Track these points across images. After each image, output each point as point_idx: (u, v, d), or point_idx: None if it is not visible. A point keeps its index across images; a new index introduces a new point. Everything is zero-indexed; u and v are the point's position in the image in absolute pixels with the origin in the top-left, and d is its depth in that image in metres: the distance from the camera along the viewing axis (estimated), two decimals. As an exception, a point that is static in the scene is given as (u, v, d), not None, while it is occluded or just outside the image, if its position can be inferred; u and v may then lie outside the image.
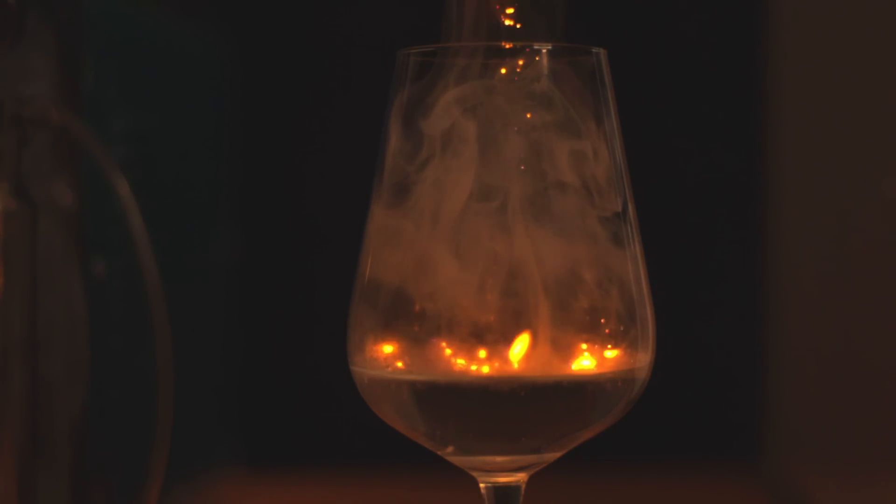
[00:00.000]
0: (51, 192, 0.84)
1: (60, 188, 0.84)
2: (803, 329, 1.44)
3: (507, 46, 0.65)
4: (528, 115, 0.64)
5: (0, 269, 0.80)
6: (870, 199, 1.24)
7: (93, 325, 0.86)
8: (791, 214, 1.47)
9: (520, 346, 0.63)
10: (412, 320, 0.64)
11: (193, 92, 1.43)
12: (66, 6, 0.85)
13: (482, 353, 0.63)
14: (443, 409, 0.64)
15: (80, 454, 0.86)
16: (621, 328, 0.65)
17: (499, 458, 0.66)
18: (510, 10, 0.67)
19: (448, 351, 0.63)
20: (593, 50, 0.66)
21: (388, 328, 0.65)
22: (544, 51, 0.65)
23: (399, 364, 0.64)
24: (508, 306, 0.63)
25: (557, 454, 0.67)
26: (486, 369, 0.63)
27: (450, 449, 0.66)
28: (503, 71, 0.65)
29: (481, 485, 0.67)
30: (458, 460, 0.67)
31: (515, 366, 0.63)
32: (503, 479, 0.67)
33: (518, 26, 0.67)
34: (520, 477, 0.67)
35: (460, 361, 0.63)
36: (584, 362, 0.64)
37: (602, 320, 0.64)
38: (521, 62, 0.65)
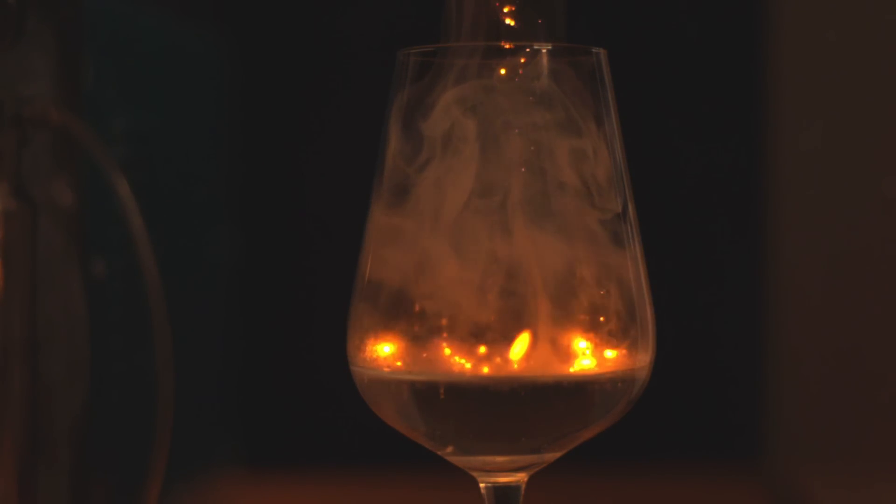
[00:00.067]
0: (51, 192, 0.84)
1: (60, 188, 0.84)
2: (803, 329, 1.44)
3: (507, 46, 0.65)
4: (528, 115, 0.64)
5: (0, 269, 0.80)
6: (870, 199, 1.24)
7: (93, 325, 0.86)
8: (791, 214, 1.47)
9: (520, 346, 0.63)
10: (412, 320, 0.64)
11: (193, 92, 1.43)
12: (66, 6, 0.85)
13: (482, 353, 0.63)
14: (442, 408, 0.64)
15: (80, 454, 0.86)
16: (621, 328, 0.65)
17: (499, 458, 0.66)
18: (510, 10, 0.67)
19: (448, 351, 0.63)
20: (593, 50, 0.66)
21: (388, 328, 0.65)
22: (544, 51, 0.65)
23: (399, 364, 0.64)
24: (508, 306, 0.63)
25: (557, 454, 0.67)
26: (485, 369, 0.63)
27: (450, 449, 0.66)
28: (503, 71, 0.65)
29: (481, 485, 0.67)
30: (458, 460, 0.67)
31: (515, 366, 0.63)
32: (503, 479, 0.67)
33: (518, 26, 0.67)
34: (520, 477, 0.67)
35: (460, 361, 0.63)
36: (584, 362, 0.64)
37: (602, 320, 0.64)
38: (520, 62, 0.65)
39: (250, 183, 1.56)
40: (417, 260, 0.64)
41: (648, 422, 1.35)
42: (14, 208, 0.81)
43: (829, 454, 1.37)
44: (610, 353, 0.64)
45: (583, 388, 0.64)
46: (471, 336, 0.63)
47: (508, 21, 0.67)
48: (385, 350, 0.65)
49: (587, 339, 0.64)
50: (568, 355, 0.63)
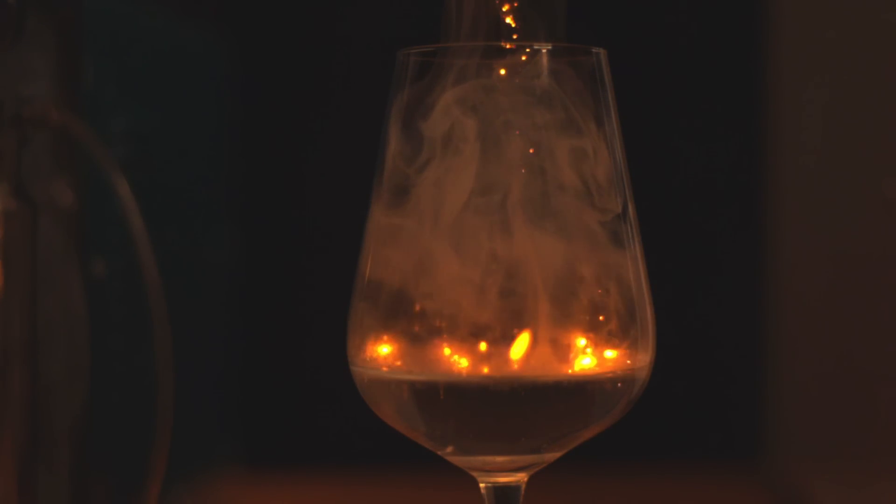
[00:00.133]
0: (51, 192, 0.84)
1: (60, 188, 0.84)
2: (803, 329, 1.44)
3: (507, 46, 0.65)
4: (528, 116, 0.64)
5: (0, 269, 0.80)
6: (870, 200, 1.24)
7: (93, 325, 0.86)
8: (791, 214, 1.47)
9: (520, 346, 0.63)
10: (412, 320, 0.64)
11: (194, 92, 1.43)
12: (66, 6, 0.85)
13: (482, 353, 0.63)
14: (442, 408, 0.64)
15: (80, 454, 0.86)
16: (621, 328, 0.65)
17: (499, 458, 0.66)
18: (510, 10, 0.67)
19: (448, 351, 0.63)
20: (593, 50, 0.66)
21: (388, 328, 0.65)
22: (544, 51, 0.65)
23: (399, 364, 0.64)
24: (508, 306, 0.63)
25: (557, 454, 0.67)
26: (485, 369, 0.63)
27: (450, 449, 0.66)
28: (503, 71, 0.65)
29: (481, 485, 0.67)
30: (458, 460, 0.67)
31: (515, 366, 0.63)
32: (503, 479, 0.67)
33: (518, 26, 0.67)
34: (520, 477, 0.67)
35: (460, 361, 0.63)
36: (584, 362, 0.64)
37: (602, 320, 0.64)
38: (520, 62, 0.65)
39: (250, 183, 1.56)
40: (417, 260, 0.64)
41: (648, 422, 1.35)
42: (14, 208, 0.81)
43: (829, 454, 1.37)
44: (610, 353, 0.64)
45: (583, 388, 0.64)
46: (471, 336, 0.63)
47: (508, 21, 0.67)
48: (385, 350, 0.65)
49: (587, 339, 0.64)
50: (568, 355, 0.63)
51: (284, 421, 1.57)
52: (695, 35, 1.55)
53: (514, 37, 0.66)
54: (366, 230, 0.67)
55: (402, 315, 0.64)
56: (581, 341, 0.64)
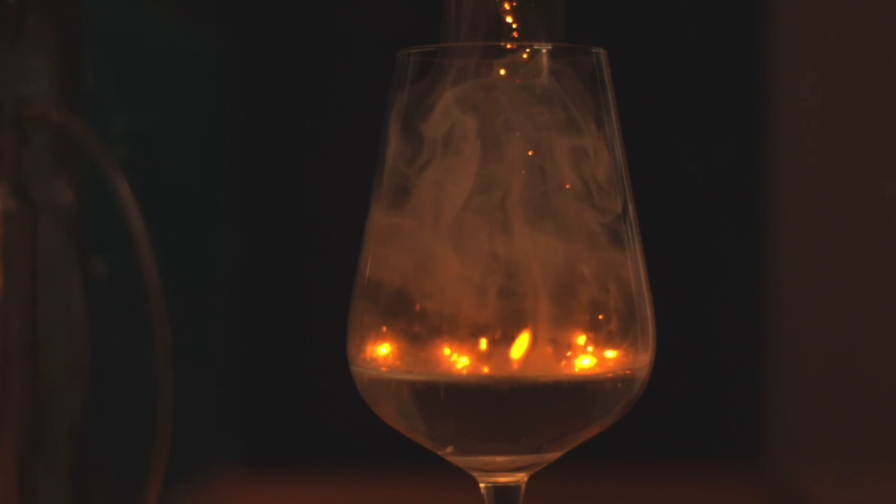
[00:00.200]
0: (51, 192, 0.84)
1: (60, 188, 0.84)
2: (803, 329, 1.44)
3: (507, 46, 0.65)
4: (528, 116, 0.64)
5: (0, 269, 0.80)
6: (870, 200, 1.24)
7: (93, 325, 0.86)
8: (791, 214, 1.47)
9: (520, 346, 0.63)
10: (412, 320, 0.64)
11: (193, 92, 1.43)
12: (66, 6, 0.85)
13: (482, 353, 0.63)
14: (442, 408, 0.64)
15: (80, 454, 0.86)
16: (621, 328, 0.65)
17: (499, 458, 0.66)
18: (510, 10, 0.67)
19: (448, 351, 0.63)
20: (593, 50, 0.66)
21: (387, 328, 0.64)
22: (544, 51, 0.65)
23: (399, 364, 0.64)
24: (508, 306, 0.63)
25: (557, 454, 0.67)
26: (485, 369, 0.63)
27: (449, 449, 0.66)
28: (503, 71, 0.65)
29: (481, 485, 0.67)
30: (458, 460, 0.67)
31: (515, 366, 0.63)
32: (503, 479, 0.67)
33: (518, 26, 0.67)
34: (520, 477, 0.67)
35: (460, 361, 0.63)
36: (584, 362, 0.64)
37: (602, 320, 0.64)
38: (520, 62, 0.65)
39: (250, 183, 1.56)
40: (417, 260, 0.64)
41: (648, 422, 1.35)
42: (14, 208, 0.81)
43: (829, 454, 1.37)
44: (610, 353, 0.64)
45: (583, 387, 0.64)
46: (471, 336, 0.63)
47: (508, 20, 0.67)
48: (385, 350, 0.65)
49: (587, 339, 0.64)
50: (568, 355, 0.63)
51: (284, 421, 1.57)
52: (695, 35, 1.55)
53: (514, 36, 0.66)
54: (366, 230, 0.67)
55: (402, 315, 0.64)
56: (581, 341, 0.64)
